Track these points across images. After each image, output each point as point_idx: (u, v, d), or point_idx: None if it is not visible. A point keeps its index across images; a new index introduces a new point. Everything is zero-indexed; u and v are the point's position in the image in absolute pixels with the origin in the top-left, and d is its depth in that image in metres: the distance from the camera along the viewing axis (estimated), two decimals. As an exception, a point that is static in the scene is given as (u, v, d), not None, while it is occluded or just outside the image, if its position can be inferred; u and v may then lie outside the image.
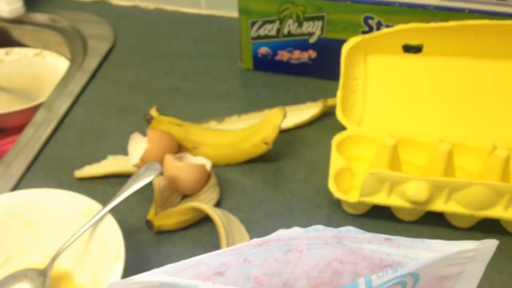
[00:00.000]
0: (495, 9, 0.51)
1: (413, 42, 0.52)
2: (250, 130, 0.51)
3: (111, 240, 0.38)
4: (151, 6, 0.72)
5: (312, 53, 0.59)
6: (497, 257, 0.43)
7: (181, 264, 0.24)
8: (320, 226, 0.25)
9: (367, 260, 0.26)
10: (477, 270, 0.25)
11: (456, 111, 0.51)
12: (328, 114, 0.56)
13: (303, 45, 0.59)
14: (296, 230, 0.25)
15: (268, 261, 0.25)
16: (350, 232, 0.25)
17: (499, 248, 0.43)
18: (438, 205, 0.43)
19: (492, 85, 0.51)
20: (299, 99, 0.58)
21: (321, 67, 0.59)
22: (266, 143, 0.50)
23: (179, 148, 0.50)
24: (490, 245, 0.24)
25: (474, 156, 0.47)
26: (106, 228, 0.39)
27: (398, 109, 0.53)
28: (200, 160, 0.47)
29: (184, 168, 0.44)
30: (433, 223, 0.46)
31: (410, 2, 0.53)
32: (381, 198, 0.44)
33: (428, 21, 0.50)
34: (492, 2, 0.51)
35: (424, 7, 0.52)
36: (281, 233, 0.25)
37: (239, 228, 0.44)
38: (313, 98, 0.57)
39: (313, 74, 0.60)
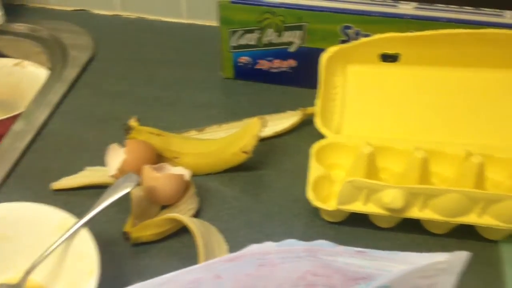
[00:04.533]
0: (471, 18, 0.52)
1: (390, 51, 0.52)
2: (230, 139, 0.52)
3: (86, 254, 0.38)
4: (132, 15, 0.72)
5: (292, 62, 0.60)
6: (473, 263, 0.44)
7: (150, 282, 0.23)
8: (292, 241, 0.25)
9: (340, 273, 0.26)
10: (448, 282, 0.25)
11: (433, 118, 0.52)
12: (307, 123, 0.56)
13: (283, 54, 0.59)
14: (268, 245, 0.25)
15: (240, 276, 0.25)
16: (322, 245, 0.25)
17: (475, 254, 0.44)
18: (414, 212, 0.43)
19: (467, 93, 0.52)
20: (279, 108, 0.58)
21: (301, 76, 0.60)
22: (246, 152, 0.50)
23: (158, 158, 0.50)
24: (460, 257, 0.24)
25: (449, 163, 0.48)
26: (81, 242, 0.39)
27: (377, 117, 0.53)
28: (179, 170, 0.47)
29: (162, 178, 0.44)
30: (410, 230, 0.46)
31: (387, 12, 0.53)
32: (358, 206, 0.44)
33: (405, 30, 0.51)
34: (467, 11, 0.52)
35: (400, 16, 0.53)
36: (253, 248, 0.25)
37: (218, 238, 0.44)
38: (293, 107, 0.58)
39: (293, 83, 0.61)
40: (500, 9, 0.52)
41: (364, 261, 0.25)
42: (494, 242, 0.45)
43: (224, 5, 0.56)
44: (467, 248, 0.45)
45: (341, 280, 0.26)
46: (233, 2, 0.56)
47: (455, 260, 0.24)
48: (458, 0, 0.53)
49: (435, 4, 0.53)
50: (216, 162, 0.51)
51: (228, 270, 0.24)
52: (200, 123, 0.57)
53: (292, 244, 0.24)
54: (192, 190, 0.47)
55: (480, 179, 0.45)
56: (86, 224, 0.40)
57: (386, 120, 0.53)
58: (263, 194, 0.50)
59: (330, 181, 0.49)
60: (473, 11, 0.52)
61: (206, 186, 0.51)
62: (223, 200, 0.50)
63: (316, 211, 0.48)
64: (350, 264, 0.25)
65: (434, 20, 0.52)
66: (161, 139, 0.50)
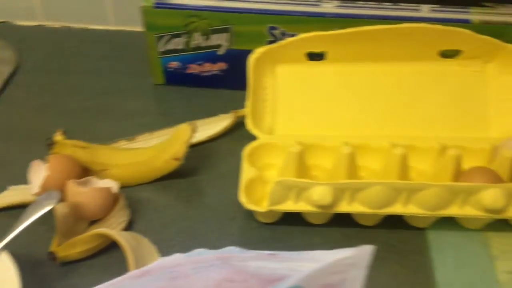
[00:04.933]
0: (390, 13, 0.53)
1: (317, 49, 0.53)
2: (160, 147, 0.51)
3: (7, 280, 0.36)
4: (57, 24, 0.70)
5: (223, 65, 0.59)
6: (401, 251, 0.45)
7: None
8: (202, 250, 0.25)
9: (256, 276, 0.26)
10: (358, 276, 0.26)
11: (361, 113, 0.53)
12: (241, 125, 0.56)
13: (213, 57, 0.59)
14: (177, 256, 0.25)
15: (152, 292, 0.25)
16: (233, 252, 0.25)
17: (403, 242, 0.46)
18: (343, 207, 0.44)
19: (392, 87, 0.53)
20: (212, 111, 0.58)
21: (233, 78, 0.59)
22: (177, 159, 0.49)
23: (86, 172, 0.48)
24: (365, 251, 0.25)
25: (375, 156, 0.49)
26: (0, 267, 0.37)
27: (308, 116, 0.54)
28: (106, 183, 0.46)
29: (88, 193, 0.43)
30: (342, 224, 0.47)
31: (310, 11, 0.54)
32: (290, 205, 0.45)
33: (329, 28, 0.52)
34: (386, 7, 0.54)
35: (323, 15, 0.54)
36: (162, 261, 0.24)
37: (149, 250, 0.43)
38: (226, 110, 0.57)
39: (225, 86, 0.61)
40: (416, 3, 0.54)
41: (276, 263, 0.25)
42: (422, 229, 0.47)
43: (147, 10, 0.55)
44: (396, 237, 0.47)
45: (258, 283, 0.26)
46: (156, 7, 0.55)
47: (361, 254, 0.25)
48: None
49: (356, 2, 0.54)
50: (147, 171, 0.50)
51: (137, 287, 0.24)
52: (132, 132, 0.55)
53: (202, 253, 0.24)
54: (121, 203, 0.46)
55: (404, 169, 0.46)
56: (6, 248, 0.38)
57: (317, 117, 0.54)
58: (197, 200, 0.50)
59: (263, 182, 0.49)
60: (391, 6, 0.53)
61: (137, 196, 0.50)
62: (155, 209, 0.49)
63: (251, 213, 0.48)
64: (263, 268, 0.25)
65: (355, 18, 0.53)
66: (87, 152, 0.48)
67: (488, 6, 0.52)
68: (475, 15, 0.52)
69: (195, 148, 0.55)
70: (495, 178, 0.44)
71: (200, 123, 0.56)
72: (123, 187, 0.48)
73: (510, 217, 0.43)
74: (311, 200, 0.43)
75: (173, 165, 0.49)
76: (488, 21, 0.51)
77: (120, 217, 0.45)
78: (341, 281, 0.26)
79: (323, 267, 0.24)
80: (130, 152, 0.51)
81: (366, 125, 0.53)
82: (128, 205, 0.48)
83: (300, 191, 0.44)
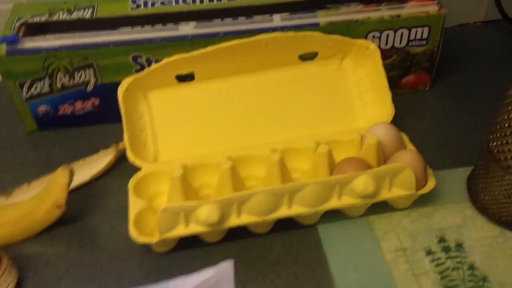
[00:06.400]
0: (245, 27, 0.55)
1: (184, 71, 0.54)
2: (39, 197, 0.48)
3: None
4: None
5: (95, 101, 0.58)
6: (297, 251, 0.47)
7: None
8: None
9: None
10: (229, 290, 0.27)
11: (240, 125, 0.55)
12: (125, 157, 0.55)
13: (83, 95, 0.57)
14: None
15: None
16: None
17: (297, 242, 0.48)
18: (233, 221, 0.45)
19: (261, 96, 0.55)
20: (93, 149, 0.56)
21: (108, 112, 0.58)
22: (59, 207, 0.47)
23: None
24: (227, 266, 0.25)
25: (258, 164, 0.51)
26: None
27: (189, 137, 0.54)
28: (-19, 248, 0.43)
29: (-39, 264, 0.40)
30: (239, 236, 0.48)
31: (170, 35, 0.55)
32: (181, 230, 0.45)
33: (192, 49, 0.53)
34: (241, 22, 0.56)
35: (184, 38, 0.54)
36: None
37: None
38: (107, 145, 0.56)
39: (103, 121, 0.59)
40: (269, 14, 0.56)
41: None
42: (313, 225, 0.49)
43: (0, 59, 0.52)
44: (291, 238, 0.49)
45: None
46: (9, 55, 0.52)
47: (223, 270, 0.26)
48: (232, 11, 0.57)
49: (212, 21, 0.56)
50: (29, 225, 0.48)
51: None
52: (8, 186, 0.52)
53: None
54: (5, 264, 0.43)
55: (284, 173, 0.48)
56: None
57: (198, 137, 0.54)
58: (90, 244, 0.48)
59: (154, 212, 0.49)
60: (246, 21, 0.56)
61: (25, 253, 0.47)
62: (47, 263, 0.47)
63: (148, 245, 0.47)
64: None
65: (214, 36, 0.54)
66: (-44, 219, 0.45)
67: (332, 8, 0.56)
68: (323, 17, 0.55)
69: (80, 190, 0.53)
70: (364, 165, 0.47)
71: (81, 163, 0.54)
72: (6, 246, 0.45)
73: (383, 200, 0.47)
74: (200, 221, 0.44)
75: (56, 213, 0.47)
76: (335, 22, 0.55)
77: (5, 279, 0.43)
78: (212, 299, 0.27)
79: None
80: (7, 209, 0.49)
81: (246, 136, 0.54)
82: (14, 265, 0.45)
83: (187, 214, 0.44)
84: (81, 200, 0.52)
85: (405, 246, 0.47)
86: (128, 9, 0.58)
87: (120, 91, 0.52)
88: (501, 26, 0.72)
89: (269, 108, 0.55)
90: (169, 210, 0.43)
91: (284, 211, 0.46)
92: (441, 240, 0.47)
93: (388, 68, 0.57)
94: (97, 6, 0.59)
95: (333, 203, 0.46)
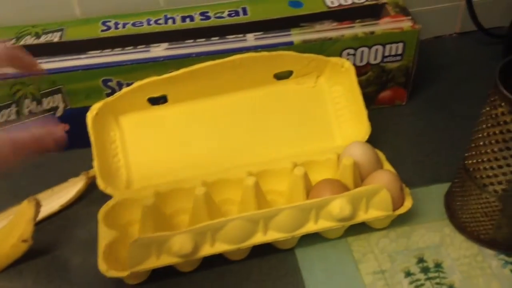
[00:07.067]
0: (218, 48, 0.54)
1: (156, 94, 0.53)
2: (5, 231, 0.47)
3: None
4: None
5: (65, 126, 0.56)
6: (275, 277, 0.46)
7: None
8: None
9: None
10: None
11: (215, 148, 0.54)
12: (96, 185, 0.54)
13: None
14: None
15: None
16: None
17: (275, 267, 0.46)
18: (206, 250, 0.44)
19: (238, 116, 0.54)
20: (63, 177, 0.54)
21: (78, 138, 0.56)
22: (25, 241, 0.45)
23: None
24: None
25: (234, 188, 0.49)
26: None
27: (163, 162, 0.53)
28: None
29: None
30: (215, 264, 0.46)
31: (142, 57, 0.53)
32: (153, 262, 0.43)
33: (164, 72, 0.52)
34: (214, 42, 0.55)
35: (155, 59, 0.53)
36: None
37: None
38: (78, 172, 0.54)
39: (73, 147, 0.57)
40: (242, 33, 0.55)
41: None
42: (290, 250, 0.48)
43: (-37, 87, 0.51)
44: (268, 264, 0.48)
45: None
46: (-27, 82, 0.51)
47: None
48: (204, 31, 0.56)
49: (184, 42, 0.55)
50: (-5, 261, 0.46)
51: None
52: (-26, 220, 0.50)
53: None
54: (-32, 304, 0.42)
55: (260, 197, 0.47)
56: None
57: (172, 161, 0.53)
58: (60, 278, 0.47)
59: (127, 241, 0.47)
60: (219, 41, 0.55)
61: (-11, 291, 0.45)
62: (13, 300, 0.45)
63: (120, 278, 0.46)
64: None
65: (187, 57, 0.53)
66: None
67: (305, 26, 0.56)
68: (296, 36, 0.55)
69: (49, 220, 0.51)
70: (340, 187, 0.46)
71: (49, 192, 0.53)
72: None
73: (360, 221, 0.46)
74: (172, 252, 0.42)
75: (23, 247, 0.45)
76: (309, 40, 0.54)
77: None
78: None
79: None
80: (-29, 244, 0.47)
81: (222, 158, 0.53)
82: (-22, 305, 0.43)
83: (159, 246, 0.43)
84: (50, 231, 0.50)
85: (384, 268, 0.46)
86: (98, 32, 0.57)
87: (89, 116, 0.50)
88: (476, 37, 0.72)
89: (244, 129, 0.54)
90: (140, 242, 0.42)
91: (259, 238, 0.44)
92: (420, 260, 0.46)
93: (364, 85, 0.57)
94: (65, 29, 0.57)
95: (310, 227, 0.45)
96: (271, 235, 0.45)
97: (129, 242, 0.45)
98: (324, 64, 0.54)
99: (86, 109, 0.50)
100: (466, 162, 0.45)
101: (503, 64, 0.40)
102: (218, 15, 0.58)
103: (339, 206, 0.44)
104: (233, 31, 0.56)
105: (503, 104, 0.39)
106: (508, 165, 0.40)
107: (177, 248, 0.42)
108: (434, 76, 0.67)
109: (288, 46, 0.54)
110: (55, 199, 0.52)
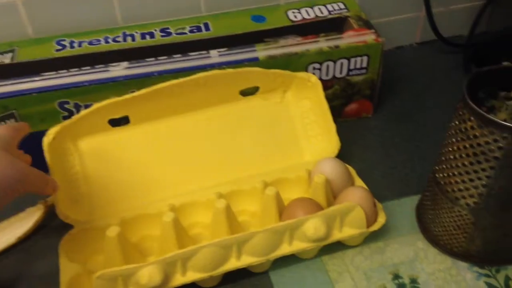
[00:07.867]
0: (181, 65, 0.52)
1: (116, 115, 0.50)
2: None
3: None
4: None
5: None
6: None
7: None
8: None
9: None
10: None
11: (182, 169, 0.52)
12: (56, 214, 0.51)
13: (6, 147, 0.52)
14: None
15: None
16: None
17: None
18: (177, 280, 0.42)
19: (205, 134, 0.52)
20: (17, 208, 0.51)
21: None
22: (-22, 281, 0.42)
23: None
24: None
25: (204, 210, 0.48)
26: None
27: (128, 186, 0.50)
28: None
29: None
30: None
31: (100, 78, 0.51)
32: (120, 297, 0.41)
33: (124, 92, 0.49)
34: (176, 59, 0.53)
35: (114, 79, 0.51)
36: None
37: None
38: (36, 200, 0.51)
39: (30, 173, 0.54)
40: (205, 50, 0.54)
41: None
42: (264, 273, 0.46)
43: None
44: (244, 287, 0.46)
45: None
46: None
47: None
48: (166, 48, 0.54)
49: (145, 60, 0.52)
50: None
51: None
52: None
53: None
54: None
55: (231, 219, 0.45)
56: None
57: (138, 185, 0.51)
58: (18, 318, 0.43)
59: (91, 274, 0.44)
60: (182, 58, 0.53)
61: None
62: None
63: (84, 313, 0.43)
64: None
65: (147, 76, 0.51)
66: None
67: (270, 41, 0.55)
68: (261, 51, 0.54)
69: (6, 254, 0.48)
70: (313, 206, 0.45)
71: (5, 224, 0.49)
72: None
73: (335, 241, 0.45)
74: (141, 284, 0.40)
75: (-24, 288, 0.42)
76: (274, 55, 0.53)
77: None
78: None
79: None
80: None
81: (189, 179, 0.51)
82: None
83: (126, 279, 0.40)
84: (7, 266, 0.47)
85: (360, 286, 0.45)
86: (52, 51, 0.54)
87: (46, 141, 0.47)
88: (436, 46, 0.73)
89: (212, 148, 0.53)
90: (105, 277, 0.39)
91: (233, 263, 0.43)
92: (396, 276, 0.46)
93: (330, 98, 0.56)
94: (17, 49, 0.54)
95: (284, 249, 0.44)
96: (245, 260, 0.43)
97: (94, 276, 0.43)
98: (291, 79, 0.53)
99: (41, 133, 0.47)
100: (436, 175, 0.45)
101: (470, 78, 0.40)
102: (179, 31, 0.57)
103: (313, 226, 0.43)
104: (196, 48, 0.54)
105: (472, 118, 0.39)
106: (479, 179, 0.40)
107: (146, 280, 0.40)
108: (398, 87, 0.68)
109: (254, 62, 0.53)
110: (11, 231, 0.48)
